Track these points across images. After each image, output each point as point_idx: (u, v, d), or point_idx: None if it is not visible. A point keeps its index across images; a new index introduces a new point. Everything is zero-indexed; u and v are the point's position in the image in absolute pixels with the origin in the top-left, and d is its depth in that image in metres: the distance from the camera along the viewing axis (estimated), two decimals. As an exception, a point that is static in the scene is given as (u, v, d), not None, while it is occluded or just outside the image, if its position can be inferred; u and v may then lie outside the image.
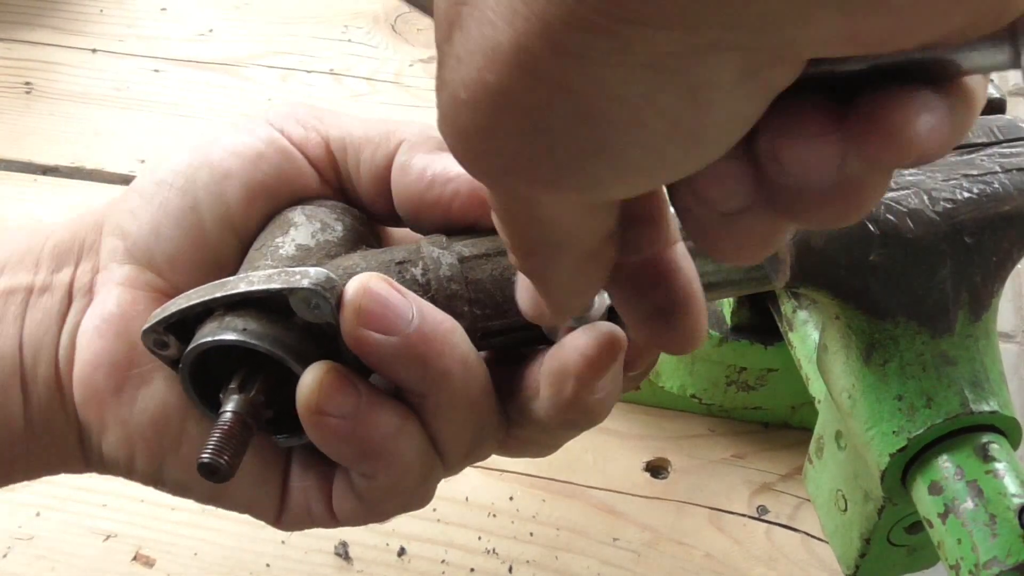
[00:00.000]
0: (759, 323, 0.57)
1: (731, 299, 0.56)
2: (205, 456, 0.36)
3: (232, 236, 0.41)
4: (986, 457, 0.40)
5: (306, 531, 0.56)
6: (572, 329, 0.39)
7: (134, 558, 0.56)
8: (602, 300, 0.39)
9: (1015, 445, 0.41)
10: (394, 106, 0.80)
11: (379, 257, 0.40)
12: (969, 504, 0.39)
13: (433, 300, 0.39)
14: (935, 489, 0.40)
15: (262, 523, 0.56)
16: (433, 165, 0.41)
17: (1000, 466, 0.39)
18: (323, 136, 0.43)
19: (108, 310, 0.40)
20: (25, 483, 0.57)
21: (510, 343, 0.42)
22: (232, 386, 0.38)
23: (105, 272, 0.41)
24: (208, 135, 0.42)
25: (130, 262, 0.41)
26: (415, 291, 0.39)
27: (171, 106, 0.81)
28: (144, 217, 0.41)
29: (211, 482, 0.36)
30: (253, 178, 0.41)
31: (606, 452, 0.61)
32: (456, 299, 0.40)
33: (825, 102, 0.24)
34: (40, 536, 0.56)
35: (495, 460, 0.60)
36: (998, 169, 0.41)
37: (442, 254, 0.40)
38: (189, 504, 0.57)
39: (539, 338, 0.42)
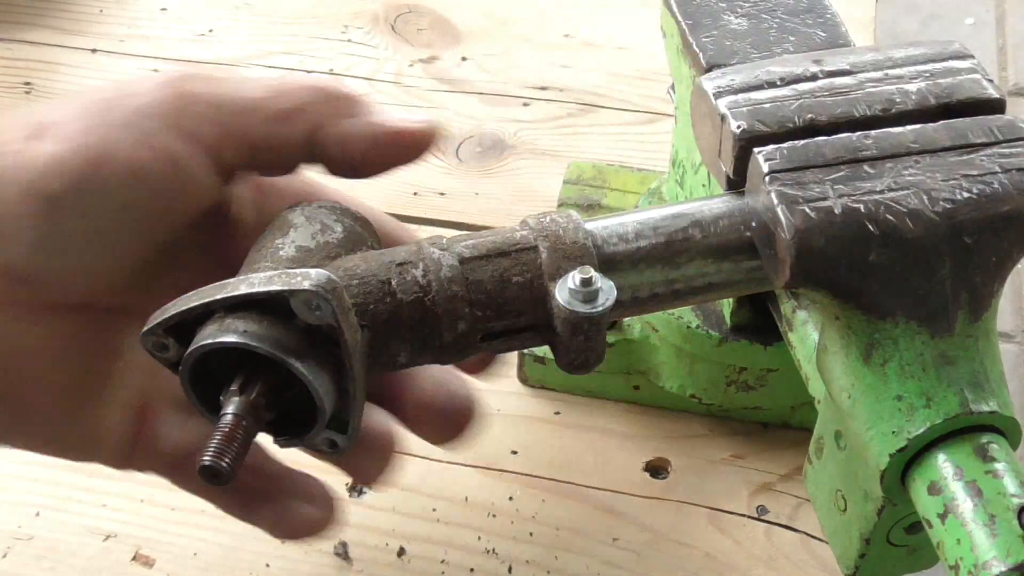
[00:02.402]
0: (759, 323, 0.57)
1: (731, 299, 0.56)
2: (207, 459, 0.36)
3: (132, 256, 0.42)
4: (986, 457, 0.40)
5: (306, 531, 0.57)
6: (574, 320, 0.39)
7: (133, 558, 0.56)
8: (610, 291, 0.39)
9: (1015, 445, 0.41)
10: (394, 106, 0.80)
11: (379, 259, 0.40)
12: (968, 504, 0.39)
13: (433, 302, 0.39)
14: (934, 489, 0.40)
15: (262, 523, 0.56)
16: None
17: (1000, 466, 0.39)
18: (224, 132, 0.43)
19: None
20: (25, 482, 0.58)
21: (511, 345, 0.42)
22: (232, 388, 0.38)
23: None
24: (99, 134, 0.41)
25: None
26: (415, 292, 0.39)
27: (171, 106, 0.81)
28: (31, 238, 0.40)
29: (212, 485, 0.36)
30: (151, 206, 0.41)
31: (606, 452, 0.61)
32: (457, 300, 0.40)
33: None
34: (39, 536, 0.56)
35: (495, 460, 0.60)
36: (998, 169, 0.41)
37: (442, 255, 0.40)
38: (189, 504, 0.57)
39: (539, 340, 0.42)
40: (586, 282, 0.39)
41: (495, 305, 0.40)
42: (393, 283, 0.39)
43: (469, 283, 0.40)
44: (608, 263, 0.41)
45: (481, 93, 0.81)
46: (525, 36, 0.86)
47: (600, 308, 0.39)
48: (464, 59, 0.84)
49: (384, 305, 0.39)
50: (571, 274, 0.39)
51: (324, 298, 0.37)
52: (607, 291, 0.39)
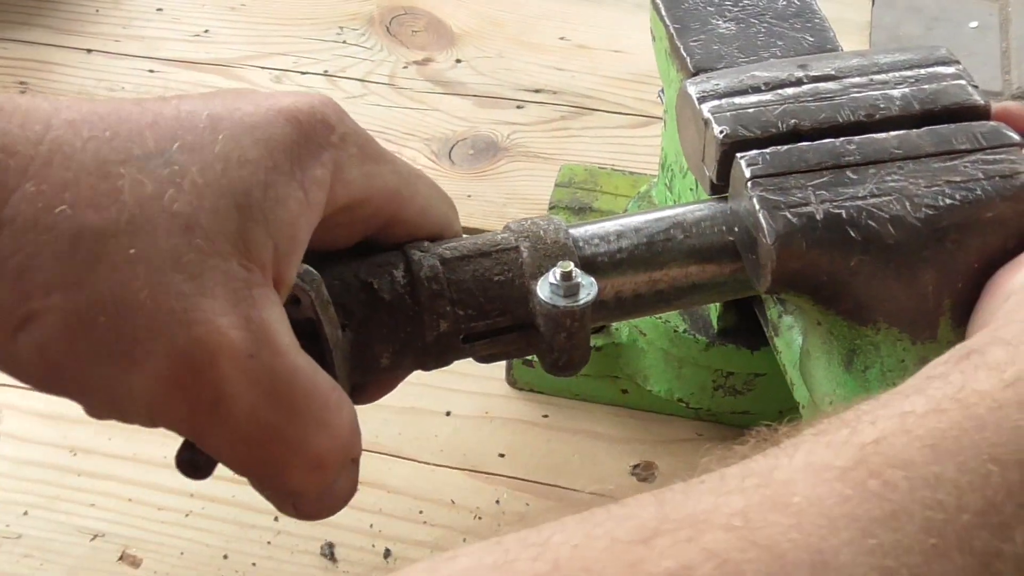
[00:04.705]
0: (746, 327, 0.57)
1: (717, 303, 0.56)
2: (185, 452, 0.36)
3: None
4: (967, 463, 0.40)
5: (292, 532, 0.56)
6: (556, 315, 0.39)
7: (120, 558, 0.56)
8: (591, 286, 0.39)
9: (996, 451, 0.41)
10: (388, 107, 0.80)
11: (360, 260, 0.40)
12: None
13: (415, 301, 0.39)
14: (915, 495, 0.40)
15: (249, 523, 0.56)
16: None
17: (981, 472, 0.39)
18: None
19: None
20: (13, 481, 0.58)
21: (494, 349, 0.42)
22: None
23: None
24: None
25: None
26: (396, 291, 0.39)
27: (165, 106, 0.81)
28: None
29: (191, 478, 0.37)
30: None
31: (593, 455, 0.61)
32: (438, 299, 0.40)
33: None
34: (27, 535, 0.56)
35: (482, 463, 0.60)
36: (981, 176, 0.41)
37: (423, 256, 0.40)
38: (176, 504, 0.57)
39: (523, 341, 0.42)
40: (566, 276, 0.39)
41: (476, 304, 0.40)
42: (374, 283, 0.39)
43: (450, 282, 0.40)
44: (590, 264, 0.42)
45: (475, 95, 0.81)
46: (519, 39, 0.86)
47: (581, 302, 0.39)
48: (458, 61, 0.84)
49: (365, 304, 0.39)
50: (552, 270, 0.39)
51: (302, 289, 0.37)
52: (588, 286, 0.39)
